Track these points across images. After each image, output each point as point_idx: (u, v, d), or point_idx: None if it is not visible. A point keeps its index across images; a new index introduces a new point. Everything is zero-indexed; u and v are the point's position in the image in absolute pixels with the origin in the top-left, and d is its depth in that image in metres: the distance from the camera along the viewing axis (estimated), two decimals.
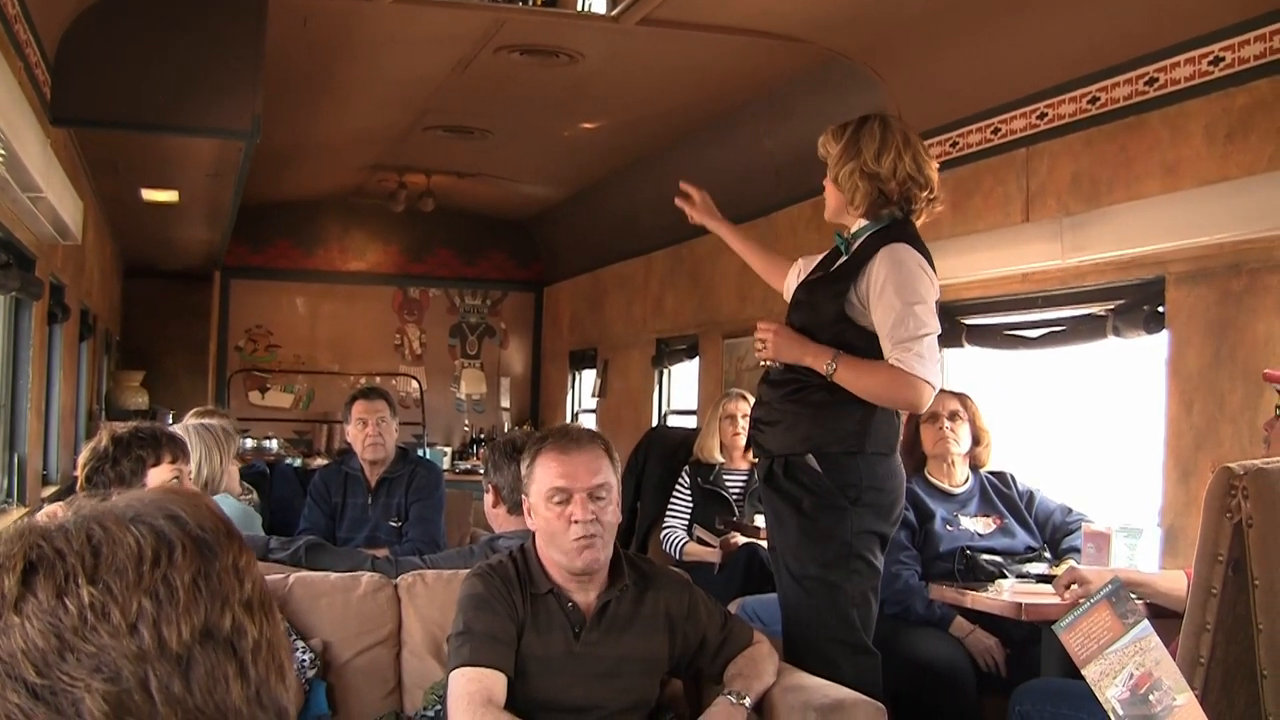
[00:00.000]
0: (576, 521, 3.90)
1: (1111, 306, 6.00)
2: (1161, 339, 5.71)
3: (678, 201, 5.47)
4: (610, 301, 13.50)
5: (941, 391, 5.42)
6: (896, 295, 4.51)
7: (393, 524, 6.93)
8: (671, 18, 7.09)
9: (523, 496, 4.11)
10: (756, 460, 4.98)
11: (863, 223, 4.75)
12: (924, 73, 7.27)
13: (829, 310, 4.66)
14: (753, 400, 7.86)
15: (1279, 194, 4.95)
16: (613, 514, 4.00)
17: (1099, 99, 6.06)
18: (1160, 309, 5.69)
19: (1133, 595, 3.02)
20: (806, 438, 4.64)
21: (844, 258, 4.76)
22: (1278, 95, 5.11)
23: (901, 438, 4.85)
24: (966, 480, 5.99)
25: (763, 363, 4.82)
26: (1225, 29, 5.30)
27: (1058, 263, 6.13)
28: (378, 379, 14.36)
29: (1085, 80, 6.12)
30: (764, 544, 7.24)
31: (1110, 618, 2.89)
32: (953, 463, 5.98)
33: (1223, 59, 5.35)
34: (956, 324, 6.90)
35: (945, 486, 5.95)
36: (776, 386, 4.78)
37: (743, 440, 7.72)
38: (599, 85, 8.81)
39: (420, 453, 10.63)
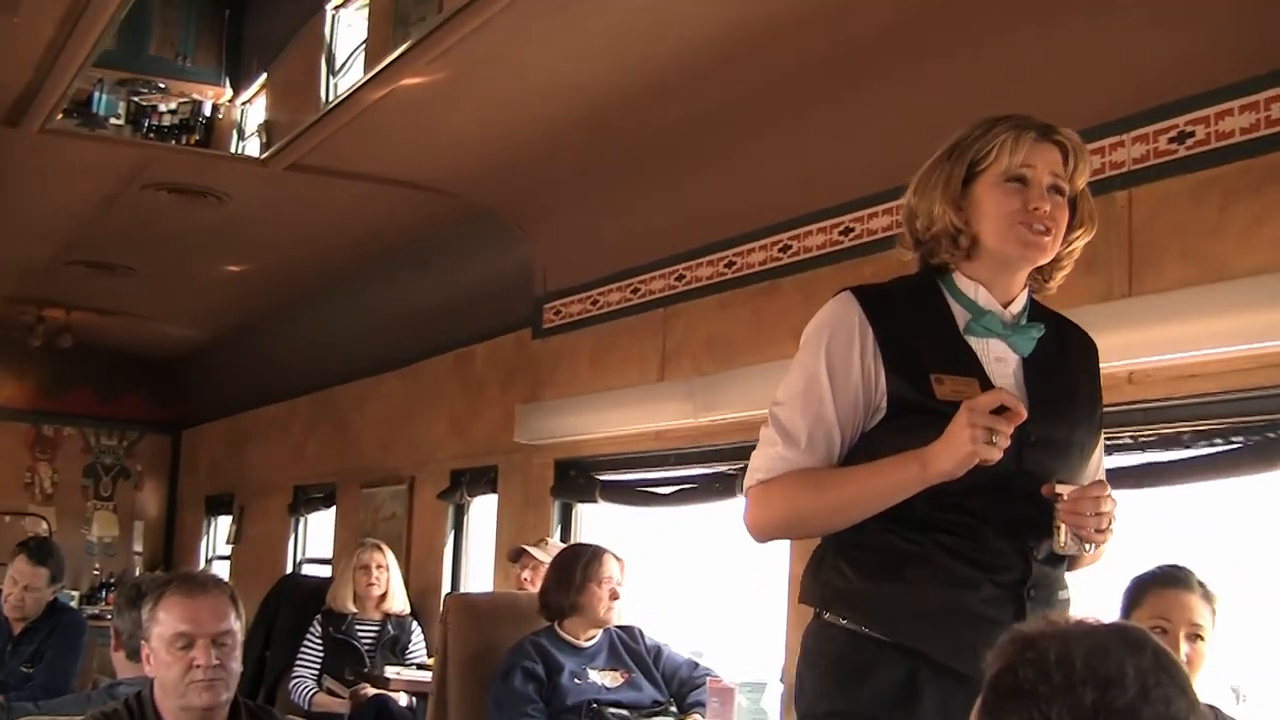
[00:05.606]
0: (199, 666, 3.81)
1: (741, 465, 6.16)
2: None
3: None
4: (252, 447, 13.27)
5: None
6: None
7: (23, 669, 6.72)
8: (320, 164, 7.12)
9: (142, 643, 4.01)
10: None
11: (1024, 300, 3.14)
12: (567, 231, 7.42)
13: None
14: (387, 552, 7.93)
15: None
16: (236, 662, 3.92)
17: (735, 263, 6.26)
18: None
19: None
20: None
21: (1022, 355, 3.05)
22: (902, 268, 5.36)
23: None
24: (595, 635, 6.02)
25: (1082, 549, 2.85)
26: (854, 201, 5.57)
27: (690, 421, 6.27)
28: (7, 519, 13.81)
29: (723, 245, 6.32)
30: (394, 695, 7.21)
31: None
32: None
33: (852, 230, 5.60)
34: (591, 480, 7.00)
35: (574, 641, 5.97)
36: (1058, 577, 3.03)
37: (377, 591, 7.68)
38: (247, 228, 8.76)
39: None
